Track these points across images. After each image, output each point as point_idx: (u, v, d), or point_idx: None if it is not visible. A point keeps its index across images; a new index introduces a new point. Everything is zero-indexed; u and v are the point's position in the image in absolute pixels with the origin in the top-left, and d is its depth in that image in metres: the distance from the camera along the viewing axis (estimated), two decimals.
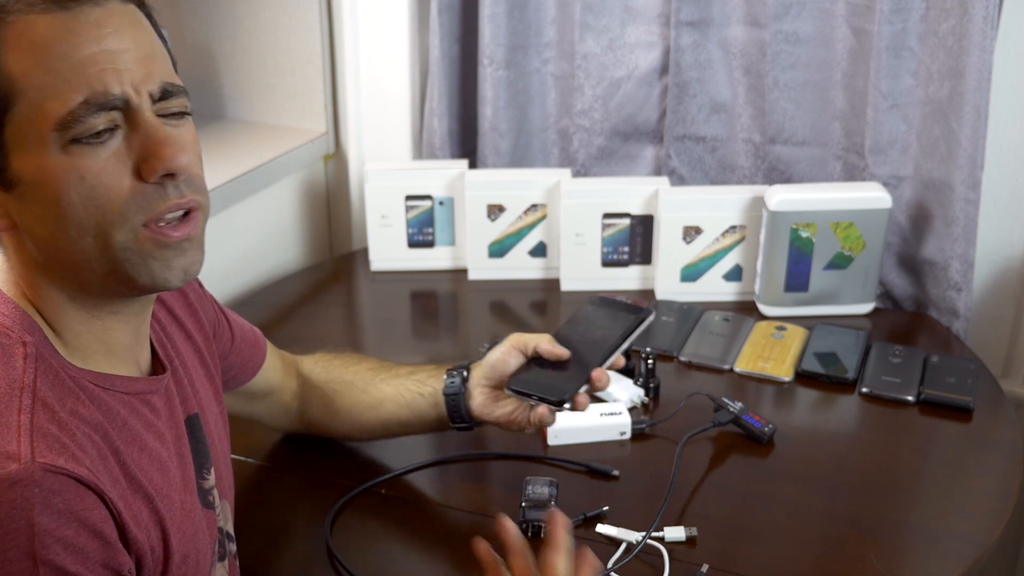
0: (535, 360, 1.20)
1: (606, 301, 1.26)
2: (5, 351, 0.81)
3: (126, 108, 0.81)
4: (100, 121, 0.79)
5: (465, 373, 1.25)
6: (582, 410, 1.17)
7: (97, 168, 0.80)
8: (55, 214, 0.80)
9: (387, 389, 1.28)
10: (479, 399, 1.23)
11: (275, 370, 1.27)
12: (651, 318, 1.22)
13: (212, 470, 1.01)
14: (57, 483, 0.75)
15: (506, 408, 1.22)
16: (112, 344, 0.89)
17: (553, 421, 1.20)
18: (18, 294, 0.86)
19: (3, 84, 0.78)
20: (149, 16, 0.87)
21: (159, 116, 0.83)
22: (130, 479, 0.84)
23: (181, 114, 0.86)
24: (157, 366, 0.97)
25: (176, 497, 0.90)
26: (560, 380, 1.17)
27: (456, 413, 1.24)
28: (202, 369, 1.06)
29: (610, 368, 1.19)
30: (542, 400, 1.15)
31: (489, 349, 1.53)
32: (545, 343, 1.19)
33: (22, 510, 0.73)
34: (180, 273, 0.85)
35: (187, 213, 0.85)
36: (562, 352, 1.18)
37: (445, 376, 1.26)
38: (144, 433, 0.88)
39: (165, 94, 0.83)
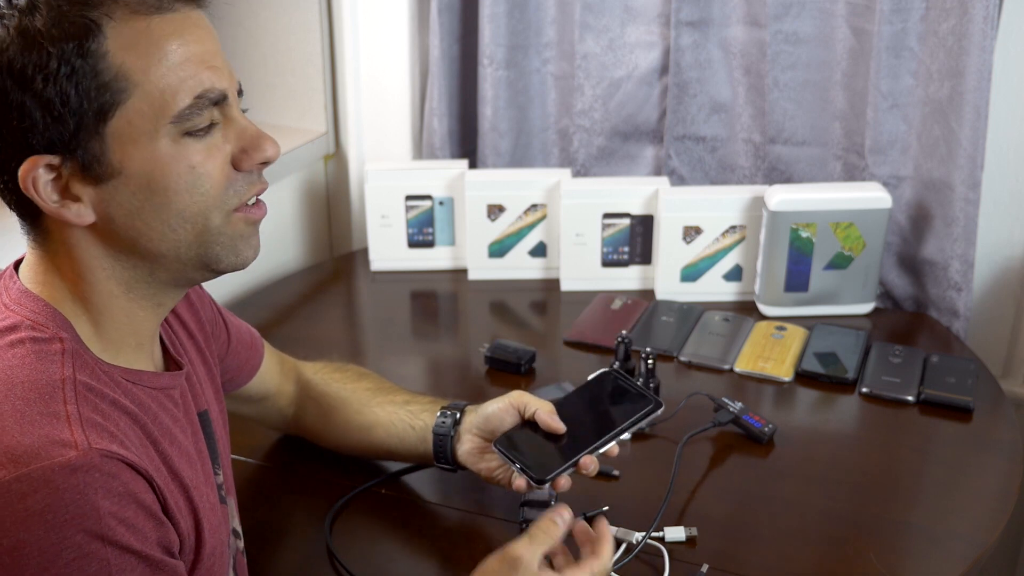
0: (530, 424, 1.16)
1: (621, 379, 1.18)
2: (43, 347, 0.83)
3: (223, 103, 0.87)
4: (208, 115, 0.85)
5: (458, 415, 1.22)
6: (560, 491, 1.13)
7: (204, 158, 0.85)
8: (158, 203, 0.84)
9: (380, 414, 1.27)
10: (466, 446, 1.21)
11: (272, 374, 1.27)
12: (659, 412, 1.15)
13: (221, 467, 1.03)
14: (114, 467, 0.78)
15: (490, 463, 1.20)
16: (142, 336, 0.91)
17: (524, 488, 1.15)
18: (52, 292, 0.87)
19: (117, 79, 0.81)
20: None
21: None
22: (168, 467, 0.87)
23: (244, 110, 0.92)
24: (169, 363, 0.99)
25: (204, 489, 0.92)
26: (547, 456, 1.12)
27: (441, 453, 1.22)
28: (204, 368, 1.07)
29: (602, 455, 1.13)
30: (524, 471, 1.10)
31: (489, 350, 1.54)
32: (544, 412, 1.14)
33: (85, 494, 0.76)
34: (254, 252, 0.92)
35: (259, 197, 0.92)
36: (558, 427, 1.13)
37: (438, 414, 1.23)
38: (172, 426, 0.91)
39: (241, 92, 0.90)
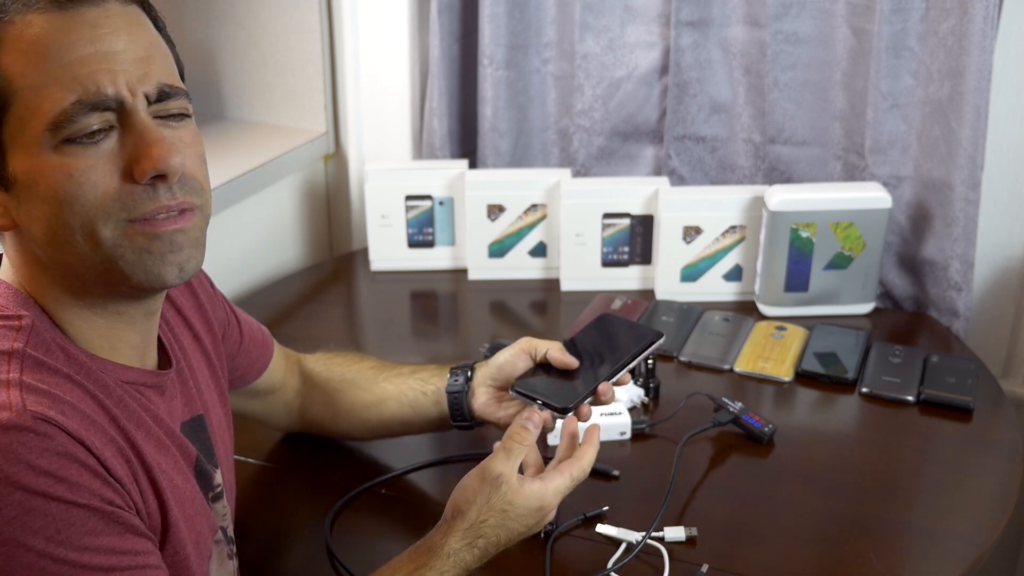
0: (542, 366, 1.20)
1: (619, 320, 1.26)
2: (2, 324, 0.82)
3: (120, 109, 0.81)
4: (93, 121, 0.80)
5: (469, 372, 1.25)
6: (585, 420, 1.16)
7: (86, 167, 0.80)
8: (47, 213, 0.81)
9: (389, 388, 1.28)
10: (482, 399, 1.23)
11: (278, 368, 1.27)
12: (661, 341, 1.21)
13: (218, 471, 1.02)
14: (49, 430, 0.77)
15: (509, 410, 1.22)
16: (116, 342, 0.89)
17: (553, 427, 1.19)
18: (20, 288, 0.87)
19: (4, 83, 0.79)
20: (153, 17, 0.87)
21: (157, 117, 0.83)
22: (129, 442, 0.85)
23: (180, 116, 0.85)
24: (164, 363, 0.97)
25: (178, 478, 0.91)
26: (566, 388, 1.16)
27: (458, 411, 1.24)
28: (208, 371, 1.06)
29: (615, 384, 1.18)
30: (546, 405, 1.14)
31: (489, 350, 1.54)
32: (555, 350, 1.18)
33: (18, 453, 0.75)
34: (175, 269, 0.85)
35: (181, 212, 0.85)
36: (571, 361, 1.18)
37: (448, 374, 1.25)
38: (141, 412, 0.89)
39: (163, 95, 0.83)
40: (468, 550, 1.02)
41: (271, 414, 1.31)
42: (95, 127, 0.80)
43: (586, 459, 1.09)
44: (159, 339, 0.97)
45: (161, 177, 0.82)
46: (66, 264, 0.84)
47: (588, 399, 1.15)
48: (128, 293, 0.87)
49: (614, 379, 1.17)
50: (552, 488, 1.06)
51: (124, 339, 0.89)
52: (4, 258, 0.89)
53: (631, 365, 1.19)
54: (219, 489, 1.01)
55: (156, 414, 0.91)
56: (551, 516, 1.07)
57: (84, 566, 0.77)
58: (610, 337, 1.22)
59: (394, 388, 1.28)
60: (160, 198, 0.83)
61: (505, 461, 1.04)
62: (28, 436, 0.75)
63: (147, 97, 0.82)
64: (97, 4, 0.81)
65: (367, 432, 1.31)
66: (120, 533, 0.79)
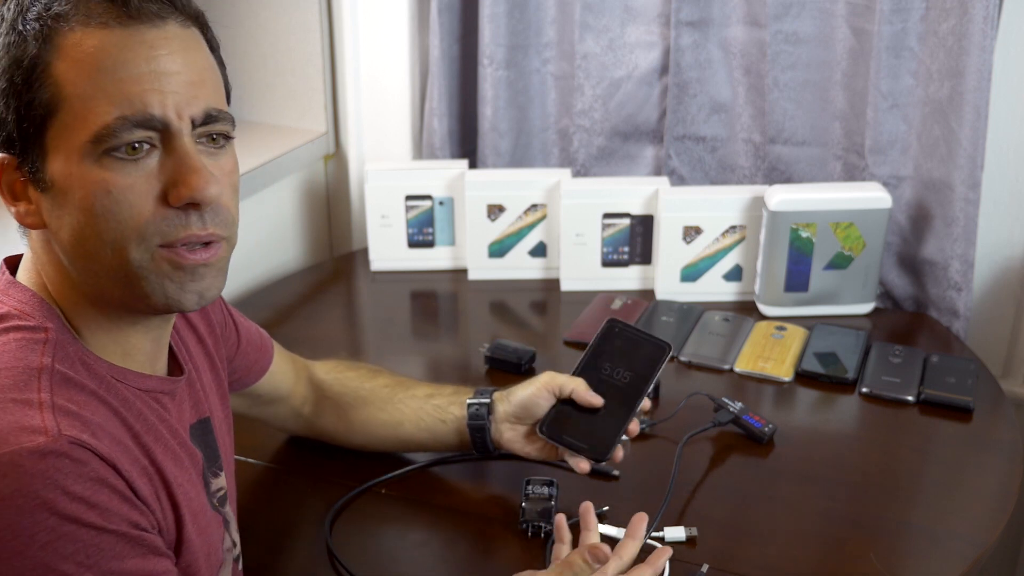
0: (565, 402, 1.20)
1: (627, 330, 1.24)
2: (27, 335, 0.83)
3: (165, 130, 0.82)
4: (135, 137, 0.80)
5: (488, 401, 1.24)
6: (619, 461, 1.20)
7: (125, 184, 0.81)
8: (80, 221, 0.82)
9: (406, 410, 1.28)
10: (508, 434, 1.24)
11: (284, 375, 1.27)
12: (671, 353, 1.22)
13: (222, 474, 1.02)
14: (83, 455, 0.78)
15: (536, 445, 1.24)
16: (131, 349, 0.90)
17: (588, 470, 1.20)
18: (41, 288, 0.87)
19: (51, 89, 0.80)
20: (209, 39, 0.88)
21: (199, 139, 0.84)
22: (150, 459, 0.86)
23: (222, 138, 0.86)
24: (174, 369, 0.98)
25: (191, 490, 0.91)
26: (595, 430, 1.18)
27: (481, 444, 1.25)
28: (211, 373, 1.06)
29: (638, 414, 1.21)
30: (580, 452, 1.17)
31: (489, 350, 1.54)
32: (581, 389, 1.19)
33: (55, 479, 0.75)
34: (195, 297, 0.86)
35: (207, 244, 0.86)
36: (596, 401, 1.19)
37: (467, 406, 1.25)
38: (158, 424, 0.90)
39: (208, 119, 0.84)
40: None
41: (280, 421, 1.31)
42: (136, 143, 0.81)
43: (627, 553, 1.06)
44: (172, 346, 0.98)
45: (195, 205, 0.83)
46: (88, 271, 0.85)
47: (620, 440, 1.18)
48: (143, 310, 0.88)
49: (637, 410, 1.19)
50: None
51: (138, 346, 0.90)
52: (26, 258, 0.89)
53: (649, 390, 1.20)
54: (222, 493, 1.02)
55: (171, 424, 0.92)
56: None
57: None
58: (622, 357, 1.21)
59: (411, 412, 1.28)
60: (191, 226, 0.83)
61: None
62: (64, 462, 0.76)
63: (192, 121, 0.83)
64: (157, 25, 0.82)
65: (381, 447, 1.31)
66: (144, 555, 0.81)
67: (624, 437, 1.19)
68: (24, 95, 0.80)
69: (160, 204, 0.82)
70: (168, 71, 0.81)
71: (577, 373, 1.22)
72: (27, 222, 0.85)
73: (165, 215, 0.82)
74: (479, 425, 1.23)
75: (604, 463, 1.18)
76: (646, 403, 1.21)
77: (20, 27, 0.80)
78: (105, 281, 0.85)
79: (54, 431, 0.77)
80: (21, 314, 0.85)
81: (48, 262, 0.87)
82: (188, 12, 0.85)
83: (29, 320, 0.84)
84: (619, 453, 1.19)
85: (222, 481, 1.02)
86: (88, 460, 0.78)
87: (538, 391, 1.21)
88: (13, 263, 0.91)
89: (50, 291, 0.87)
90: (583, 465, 1.19)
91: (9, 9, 0.80)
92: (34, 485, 0.75)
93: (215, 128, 0.85)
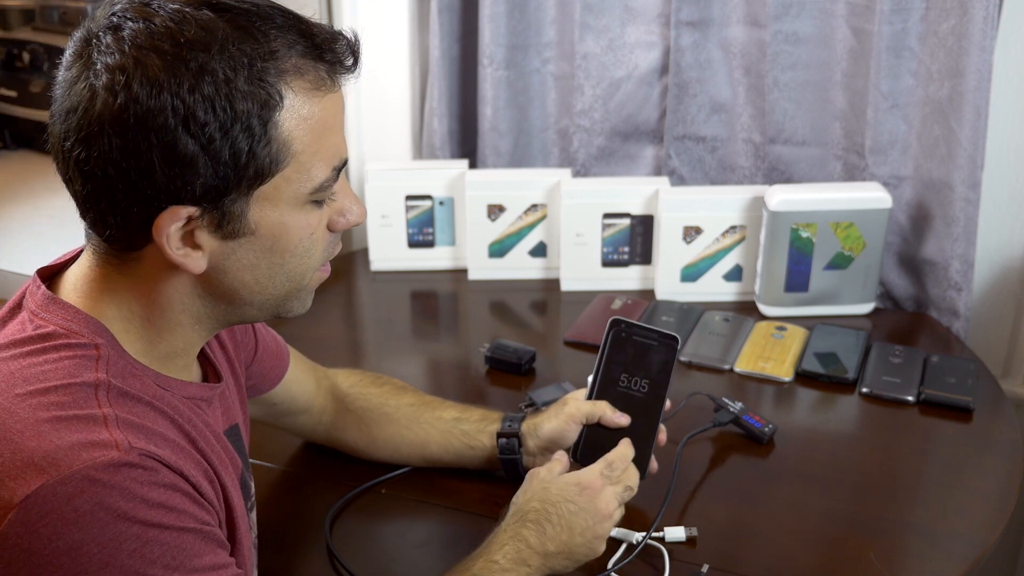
0: (590, 425, 1.21)
1: (633, 329, 1.22)
2: (78, 352, 0.84)
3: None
4: (334, 183, 0.90)
5: (516, 432, 1.25)
6: (654, 473, 1.22)
7: (317, 223, 0.90)
8: (273, 263, 0.88)
9: (432, 433, 1.28)
10: (539, 460, 1.24)
11: (302, 384, 1.26)
12: (680, 345, 1.21)
13: (251, 478, 1.04)
14: (154, 464, 0.80)
15: (569, 468, 1.23)
16: (172, 356, 0.92)
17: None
18: (100, 306, 0.87)
19: (282, 149, 0.84)
20: None
21: None
22: (208, 463, 0.88)
23: None
24: (209, 375, 1.00)
25: (235, 494, 0.93)
26: None
27: (513, 473, 1.25)
28: (233, 379, 1.07)
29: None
30: None
31: (489, 350, 1.54)
32: (608, 414, 1.20)
33: (133, 489, 0.78)
34: (311, 301, 0.97)
35: None
36: (624, 421, 1.20)
37: (498, 437, 1.25)
38: (204, 429, 0.91)
39: None
40: (522, 524, 1.07)
41: (299, 429, 1.31)
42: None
43: (620, 447, 1.15)
44: (205, 353, 1.00)
45: (351, 226, 0.94)
46: (243, 300, 0.90)
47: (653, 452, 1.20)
48: (259, 320, 0.96)
49: (661, 417, 1.20)
50: (589, 471, 1.12)
51: (177, 353, 0.92)
52: (84, 278, 0.88)
53: (667, 391, 1.20)
54: (254, 498, 1.03)
55: (215, 430, 0.94)
56: (610, 506, 1.10)
57: None
58: (635, 363, 1.21)
59: (438, 434, 1.28)
60: (339, 242, 0.96)
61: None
62: (138, 472, 0.79)
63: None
64: (341, 87, 0.89)
65: (405, 464, 1.31)
66: (215, 549, 0.84)
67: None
68: (252, 153, 0.82)
69: (327, 232, 0.92)
70: (343, 120, 0.91)
71: (596, 391, 1.21)
72: (195, 268, 0.85)
73: (331, 240, 0.94)
74: (510, 457, 1.25)
75: (643, 479, 1.18)
76: (667, 405, 1.21)
77: (240, 86, 0.80)
78: (254, 309, 0.92)
79: (124, 444, 0.79)
80: (68, 332, 0.85)
81: (152, 289, 0.87)
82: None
83: (78, 337, 0.85)
84: (654, 465, 1.21)
85: (253, 487, 1.03)
86: (158, 468, 0.80)
87: (565, 423, 1.21)
88: (45, 274, 0.91)
89: (135, 311, 0.88)
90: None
91: (218, 67, 0.79)
92: (113, 498, 0.77)
93: None
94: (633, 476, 1.14)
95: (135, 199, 0.81)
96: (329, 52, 0.86)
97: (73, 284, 0.89)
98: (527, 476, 1.14)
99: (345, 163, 0.90)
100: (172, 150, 0.79)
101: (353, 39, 0.89)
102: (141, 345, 0.89)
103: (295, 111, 0.83)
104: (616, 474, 1.12)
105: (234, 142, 0.80)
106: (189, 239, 0.84)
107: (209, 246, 0.85)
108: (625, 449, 1.16)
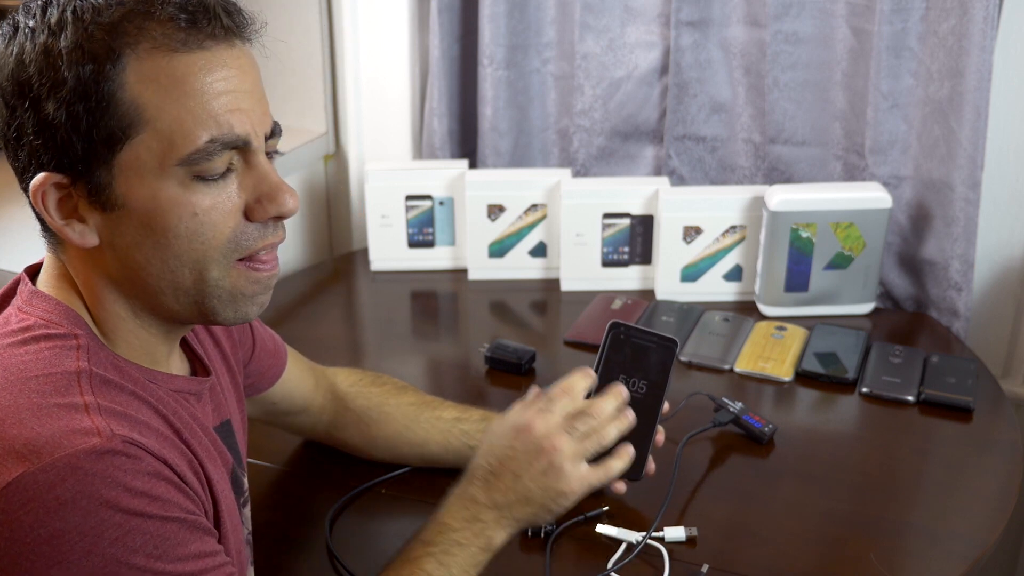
0: None
1: (632, 332, 1.20)
2: (57, 343, 0.84)
3: (245, 148, 0.84)
4: (223, 161, 0.83)
5: None
6: (651, 475, 1.20)
7: (209, 206, 0.83)
8: (156, 242, 0.83)
9: (432, 432, 1.28)
10: None
11: (299, 383, 1.26)
12: (678, 348, 1.20)
13: (245, 476, 1.04)
14: (137, 452, 0.79)
15: None
16: (153, 351, 0.91)
17: (624, 490, 1.20)
18: (67, 296, 0.88)
19: (130, 112, 0.80)
20: None
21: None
22: (193, 454, 0.87)
23: (274, 153, 0.90)
24: (197, 369, 0.99)
25: (224, 488, 0.93)
26: None
27: None
28: (228, 376, 1.07)
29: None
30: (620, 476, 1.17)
31: (489, 350, 1.54)
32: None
33: (115, 476, 0.77)
34: (257, 308, 0.90)
35: (272, 248, 0.90)
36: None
37: None
38: (192, 423, 0.91)
39: (273, 133, 0.88)
40: (469, 483, 1.07)
41: (298, 428, 1.31)
42: (225, 167, 0.83)
43: (577, 385, 1.11)
44: (192, 348, 0.99)
45: (279, 217, 0.87)
46: (151, 289, 0.86)
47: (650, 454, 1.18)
48: (198, 322, 0.90)
49: (659, 418, 1.18)
50: (519, 409, 1.09)
51: (158, 349, 0.92)
52: (52, 268, 0.89)
53: (666, 393, 1.19)
54: (246, 495, 1.03)
55: (203, 423, 0.93)
56: (553, 439, 1.06)
57: (181, 575, 0.80)
58: (636, 365, 1.19)
59: (438, 434, 1.28)
60: (268, 236, 0.87)
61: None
62: (121, 459, 0.77)
63: (264, 136, 0.86)
64: (231, 44, 0.83)
65: (404, 463, 1.31)
66: (201, 538, 0.83)
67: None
68: (94, 119, 0.79)
69: (240, 220, 0.85)
70: (243, 89, 0.84)
71: (594, 392, 1.18)
72: (81, 241, 0.84)
73: (245, 229, 0.85)
74: None
75: (641, 479, 1.18)
76: (665, 407, 1.20)
77: (85, 50, 0.79)
78: (169, 299, 0.86)
79: (107, 431, 0.78)
80: (48, 323, 0.85)
81: (88, 275, 0.87)
82: (248, 30, 0.87)
83: (57, 328, 0.85)
84: (651, 466, 1.19)
85: (246, 484, 1.02)
86: (142, 456, 0.79)
87: None
88: (32, 271, 0.92)
89: (85, 301, 0.87)
90: (619, 486, 1.18)
91: (65, 34, 0.79)
92: (95, 485, 0.76)
93: (275, 143, 0.89)
94: (581, 403, 1.10)
95: (20, 170, 0.83)
96: (190, 11, 0.81)
97: (42, 278, 0.89)
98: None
99: (240, 139, 0.83)
100: (20, 116, 0.80)
101: None
102: (106, 341, 0.88)
103: (142, 72, 0.79)
104: (555, 406, 1.08)
105: (71, 107, 0.79)
106: (75, 212, 0.83)
107: (92, 219, 0.83)
108: (575, 380, 1.11)
